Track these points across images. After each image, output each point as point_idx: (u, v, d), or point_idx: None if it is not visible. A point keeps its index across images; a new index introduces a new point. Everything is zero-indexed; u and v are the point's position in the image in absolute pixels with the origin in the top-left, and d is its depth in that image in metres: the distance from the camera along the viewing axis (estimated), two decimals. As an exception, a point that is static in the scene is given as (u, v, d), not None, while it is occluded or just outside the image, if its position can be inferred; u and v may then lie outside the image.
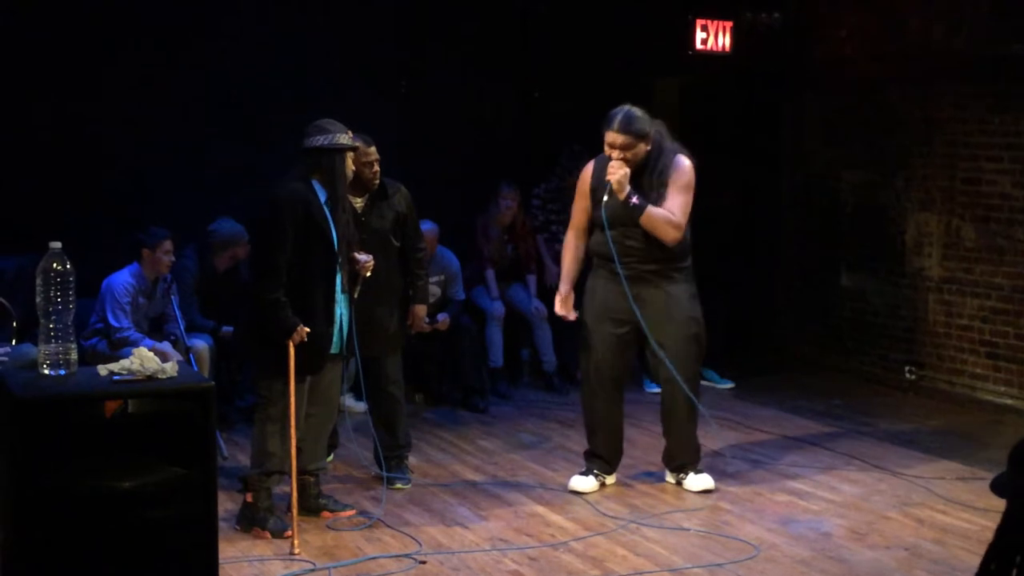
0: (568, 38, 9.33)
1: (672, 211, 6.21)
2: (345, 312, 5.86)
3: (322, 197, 5.69)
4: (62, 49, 7.87)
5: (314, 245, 5.63)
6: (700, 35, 9.37)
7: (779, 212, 10.16)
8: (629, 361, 6.66)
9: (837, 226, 9.58)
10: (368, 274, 5.92)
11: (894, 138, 9.02)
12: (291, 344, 5.52)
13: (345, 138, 5.72)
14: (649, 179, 6.26)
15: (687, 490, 6.43)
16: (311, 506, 5.94)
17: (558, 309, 6.54)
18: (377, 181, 6.40)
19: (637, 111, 6.24)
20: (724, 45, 9.48)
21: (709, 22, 9.39)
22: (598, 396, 6.45)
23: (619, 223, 6.25)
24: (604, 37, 9.33)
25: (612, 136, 6.21)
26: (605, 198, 6.21)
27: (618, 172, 6.17)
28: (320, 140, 5.67)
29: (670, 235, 6.22)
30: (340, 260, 5.74)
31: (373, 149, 6.33)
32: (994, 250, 8.33)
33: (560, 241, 9.01)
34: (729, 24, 9.48)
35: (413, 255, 6.61)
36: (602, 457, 6.52)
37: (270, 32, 8.49)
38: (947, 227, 8.66)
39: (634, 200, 6.17)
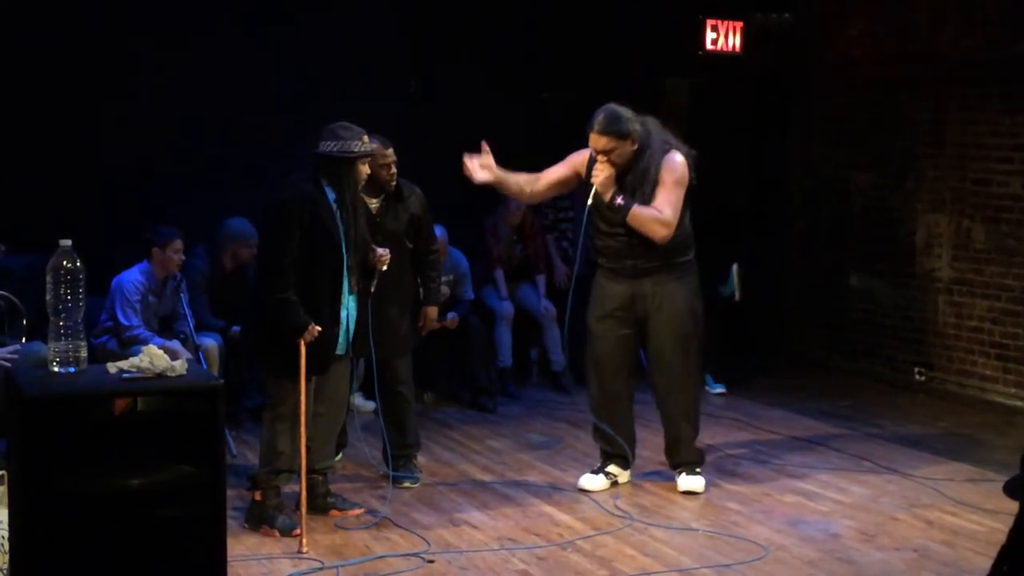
0: (578, 38, 9.32)
1: (660, 208, 6.14)
2: (353, 313, 5.87)
3: (331, 198, 5.70)
4: (72, 47, 7.88)
5: (321, 246, 5.62)
6: (710, 35, 9.36)
7: (788, 213, 10.15)
8: (633, 358, 6.63)
9: (846, 227, 9.57)
10: (385, 267, 5.92)
11: (904, 139, 9.01)
12: (302, 343, 5.53)
13: (358, 145, 5.66)
14: (635, 177, 6.19)
15: (678, 489, 6.43)
16: (319, 505, 5.95)
17: (469, 162, 6.35)
18: (394, 183, 6.40)
19: (620, 110, 6.15)
20: (734, 45, 9.47)
21: (719, 22, 9.38)
22: (606, 397, 6.44)
23: (610, 223, 6.23)
24: (614, 37, 9.31)
25: (594, 138, 6.14)
26: (589, 201, 6.18)
27: (601, 175, 6.14)
28: (331, 147, 5.64)
29: (658, 233, 6.16)
30: (348, 262, 5.74)
31: (390, 151, 6.33)
32: (1004, 251, 8.32)
33: (568, 239, 9.07)
34: (739, 24, 9.47)
35: (425, 257, 6.62)
36: (617, 455, 6.52)
37: (279, 31, 8.49)
38: (957, 228, 8.65)
39: (618, 201, 6.13)
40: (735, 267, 8.92)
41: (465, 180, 9.22)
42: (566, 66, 9.36)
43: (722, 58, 9.47)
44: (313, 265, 5.62)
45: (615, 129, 6.10)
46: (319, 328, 5.55)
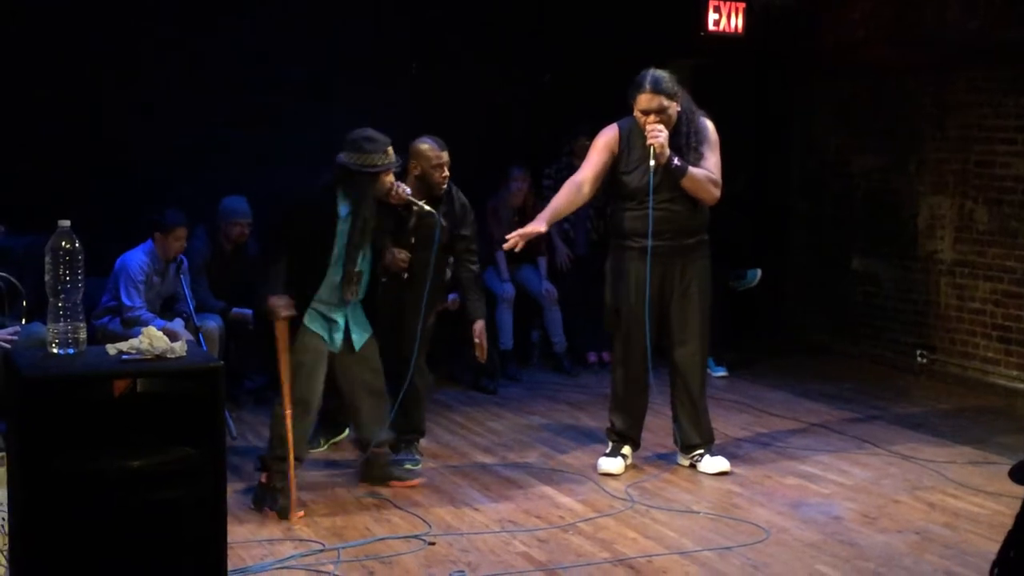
0: (580, 19, 9.29)
1: (711, 170, 6.17)
2: (350, 315, 5.95)
3: (343, 211, 5.75)
4: (75, 28, 7.87)
5: (314, 256, 5.74)
6: (712, 16, 9.32)
7: (791, 195, 10.13)
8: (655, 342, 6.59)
9: (849, 210, 9.55)
10: (404, 266, 6.11)
11: (907, 121, 8.98)
12: (280, 328, 5.65)
13: (381, 158, 5.68)
14: (681, 141, 6.16)
15: (703, 472, 6.41)
16: (378, 475, 6.12)
17: (513, 235, 6.11)
18: (444, 186, 6.35)
19: (662, 72, 6.16)
20: (737, 27, 9.43)
21: (721, 3, 9.34)
22: (634, 379, 6.39)
23: (655, 193, 6.14)
24: (616, 18, 9.28)
25: (646, 98, 6.10)
26: (651, 163, 6.07)
27: (660, 135, 6.05)
28: (351, 160, 5.67)
29: (712, 193, 6.18)
30: (345, 272, 5.79)
31: (445, 153, 6.31)
32: (1007, 233, 8.29)
33: (570, 221, 9.04)
34: (741, 6, 9.42)
35: (463, 254, 6.52)
36: (632, 438, 6.51)
37: (281, 16, 8.47)
38: (960, 210, 8.63)
39: (676, 162, 6.09)
40: (759, 272, 8.95)
41: (467, 162, 9.18)
42: (567, 47, 9.33)
43: (724, 40, 9.43)
44: (305, 271, 5.74)
45: (665, 88, 6.11)
46: (291, 313, 5.66)
